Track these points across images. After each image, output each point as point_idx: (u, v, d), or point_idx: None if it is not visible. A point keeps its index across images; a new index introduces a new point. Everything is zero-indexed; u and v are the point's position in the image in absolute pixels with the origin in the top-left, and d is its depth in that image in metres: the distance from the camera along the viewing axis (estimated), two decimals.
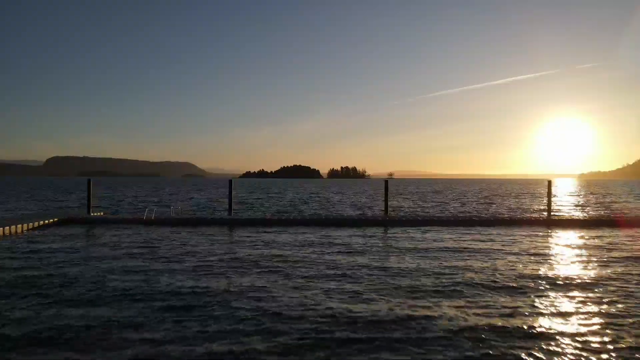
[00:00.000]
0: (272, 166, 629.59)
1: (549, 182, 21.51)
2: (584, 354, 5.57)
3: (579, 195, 56.39)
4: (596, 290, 8.65)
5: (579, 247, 13.84)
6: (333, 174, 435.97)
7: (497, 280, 9.38)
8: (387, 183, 21.52)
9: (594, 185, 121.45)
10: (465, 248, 13.50)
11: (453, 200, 44.14)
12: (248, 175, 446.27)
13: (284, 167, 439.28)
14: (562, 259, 11.90)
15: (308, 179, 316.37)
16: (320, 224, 18.74)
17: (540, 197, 50.64)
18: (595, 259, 11.85)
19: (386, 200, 21.33)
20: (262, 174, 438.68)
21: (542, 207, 33.01)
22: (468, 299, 7.95)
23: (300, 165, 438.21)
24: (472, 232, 17.08)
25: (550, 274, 10.08)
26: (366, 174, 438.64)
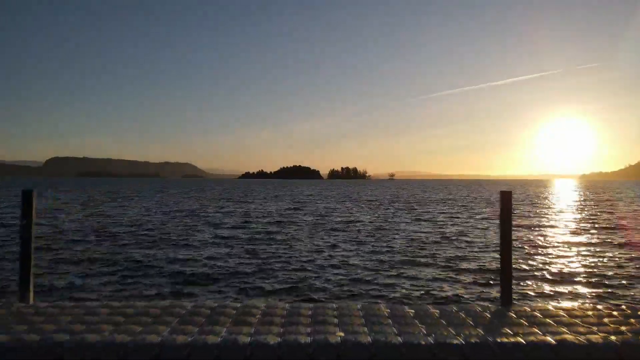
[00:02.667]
0: (272, 167, 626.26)
1: None
2: None
3: None
4: None
5: None
6: (333, 174, 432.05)
7: None
8: (508, 198, 5.34)
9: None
10: None
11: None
12: (247, 176, 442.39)
13: (283, 167, 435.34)
14: None
15: (308, 180, 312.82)
16: None
17: None
18: None
19: (507, 261, 5.44)
20: (261, 174, 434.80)
21: None
22: None
23: (300, 166, 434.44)
24: None
25: None
26: (367, 174, 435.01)
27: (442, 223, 22.33)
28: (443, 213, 28.63)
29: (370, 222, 22.77)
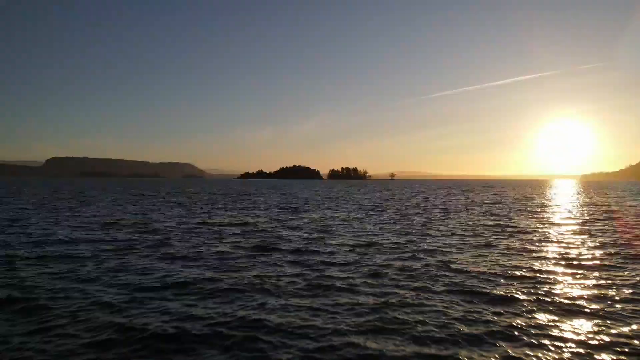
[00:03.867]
0: (271, 167, 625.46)
1: None
2: None
3: None
4: None
5: None
6: (333, 174, 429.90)
7: None
8: None
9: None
10: None
11: None
12: (246, 176, 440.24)
13: (283, 167, 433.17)
14: None
15: (308, 180, 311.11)
16: None
17: None
18: None
19: None
20: (260, 174, 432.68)
21: None
22: None
23: (299, 166, 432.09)
24: None
25: None
26: (367, 174, 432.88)
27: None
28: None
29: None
